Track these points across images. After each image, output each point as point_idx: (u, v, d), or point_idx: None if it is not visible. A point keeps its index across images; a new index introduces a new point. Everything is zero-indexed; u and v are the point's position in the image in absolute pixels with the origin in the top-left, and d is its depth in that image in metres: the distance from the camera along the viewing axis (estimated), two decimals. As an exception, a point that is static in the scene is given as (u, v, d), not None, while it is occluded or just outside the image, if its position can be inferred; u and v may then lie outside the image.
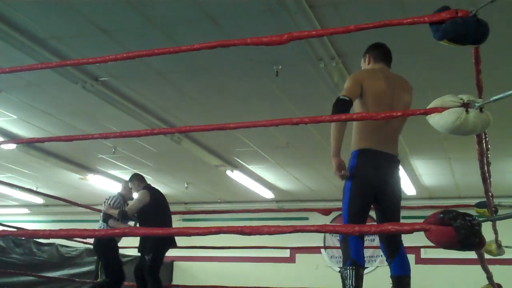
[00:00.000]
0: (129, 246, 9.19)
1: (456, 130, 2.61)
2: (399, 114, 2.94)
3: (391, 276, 3.85)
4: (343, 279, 3.71)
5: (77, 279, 10.22)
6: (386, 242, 3.91)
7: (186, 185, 13.93)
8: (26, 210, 17.26)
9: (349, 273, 3.69)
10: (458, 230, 2.33)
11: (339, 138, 3.85)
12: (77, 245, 12.11)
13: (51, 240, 11.05)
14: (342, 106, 3.72)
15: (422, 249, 12.53)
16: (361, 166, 3.84)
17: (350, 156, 3.96)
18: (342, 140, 3.85)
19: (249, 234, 2.82)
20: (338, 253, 14.19)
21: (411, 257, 4.06)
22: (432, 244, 2.54)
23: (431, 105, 2.76)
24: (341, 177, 3.96)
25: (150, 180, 13.53)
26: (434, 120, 2.69)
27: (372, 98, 3.82)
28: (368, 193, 3.84)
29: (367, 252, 13.85)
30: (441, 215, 2.40)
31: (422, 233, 2.47)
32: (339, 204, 13.05)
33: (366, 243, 12.96)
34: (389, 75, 3.97)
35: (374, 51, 4.12)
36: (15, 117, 9.63)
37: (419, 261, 12.81)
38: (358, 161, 3.86)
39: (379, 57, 4.08)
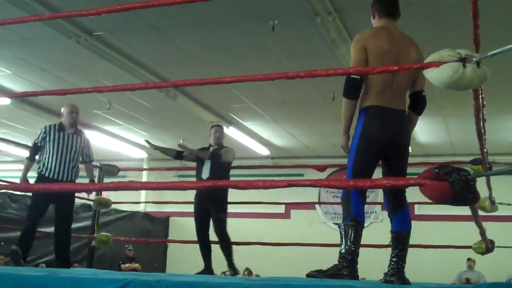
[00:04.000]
0: (124, 202, 9.21)
1: (453, 85, 2.59)
2: (395, 68, 2.91)
3: (391, 231, 3.84)
4: (342, 235, 3.70)
5: (72, 234, 10.26)
6: (389, 198, 3.86)
7: (181, 141, 13.90)
8: (21, 166, 17.25)
9: (349, 229, 3.68)
10: (453, 184, 2.33)
11: (349, 116, 3.85)
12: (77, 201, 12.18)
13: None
14: (353, 85, 3.75)
15: (416, 205, 12.61)
16: (368, 123, 3.77)
17: (358, 114, 3.87)
18: (352, 118, 3.85)
19: (244, 188, 2.82)
20: (333, 209, 14.35)
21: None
22: (426, 200, 2.54)
23: (428, 59, 2.73)
24: (348, 154, 3.88)
25: (145, 136, 13.59)
26: (431, 74, 2.66)
27: (375, 59, 3.73)
28: (375, 151, 3.79)
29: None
30: (436, 170, 2.40)
31: (416, 189, 2.46)
32: (334, 161, 13.24)
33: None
34: (393, 33, 3.88)
35: (377, 4, 3.99)
36: (9, 72, 9.56)
37: (413, 217, 12.86)
38: (365, 118, 3.79)
39: (383, 11, 3.96)
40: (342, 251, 3.70)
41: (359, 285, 3.17)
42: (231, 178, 6.05)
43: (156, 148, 7.52)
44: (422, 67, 2.75)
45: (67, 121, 6.26)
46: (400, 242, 3.78)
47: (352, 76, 3.72)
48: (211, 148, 7.20)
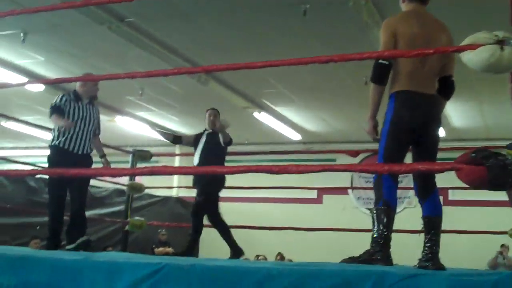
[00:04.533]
0: (157, 187, 9.26)
1: (490, 68, 2.54)
2: (431, 51, 2.87)
3: (423, 217, 3.79)
4: (374, 219, 3.70)
5: (107, 219, 10.40)
6: (419, 183, 3.81)
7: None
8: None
9: (381, 214, 3.67)
10: (491, 169, 2.29)
11: (377, 102, 3.83)
12: (107, 185, 12.31)
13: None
14: (382, 71, 3.73)
15: (450, 191, 12.45)
16: (398, 109, 3.71)
17: (388, 100, 3.82)
18: (380, 103, 3.83)
19: (277, 173, 2.82)
20: (366, 194, 14.27)
21: (438, 199, 4.06)
22: (461, 185, 2.50)
23: (464, 42, 2.68)
24: (374, 140, 3.88)
25: (176, 121, 13.66)
26: (468, 57, 2.61)
27: (405, 44, 3.69)
28: (406, 136, 3.73)
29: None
30: (473, 154, 2.36)
31: (450, 174, 2.42)
32: (367, 146, 13.05)
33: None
34: (423, 17, 3.81)
35: None
36: (42, 59, 9.66)
37: (447, 202, 12.76)
38: (395, 103, 3.74)
39: None
40: (375, 235, 3.70)
41: (393, 270, 3.15)
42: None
43: (156, 130, 7.63)
44: (458, 50, 2.70)
45: (88, 92, 5.84)
46: (432, 227, 3.73)
47: (380, 61, 3.69)
48: (206, 132, 7.03)
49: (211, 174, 6.44)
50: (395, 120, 3.71)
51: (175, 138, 7.48)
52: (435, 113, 3.84)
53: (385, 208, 3.67)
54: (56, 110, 5.64)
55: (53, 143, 5.71)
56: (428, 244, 3.70)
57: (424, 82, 3.73)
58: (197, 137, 7.08)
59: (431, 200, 3.78)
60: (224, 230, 7.23)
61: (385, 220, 3.67)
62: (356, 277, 3.05)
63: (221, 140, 6.78)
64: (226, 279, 3.14)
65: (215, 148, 6.82)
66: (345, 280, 3.06)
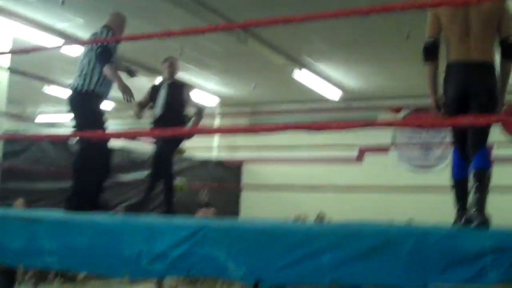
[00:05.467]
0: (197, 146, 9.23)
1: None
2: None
3: (474, 169, 3.84)
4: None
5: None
6: (470, 141, 3.91)
7: (253, 86, 13.87)
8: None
9: (453, 191, 3.98)
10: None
11: (431, 77, 4.15)
12: (147, 149, 12.43)
13: (123, 145, 11.34)
14: (426, 49, 4.09)
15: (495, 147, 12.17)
16: (445, 82, 4.00)
17: None
18: (435, 78, 4.13)
19: (318, 129, 2.76)
20: (408, 152, 14.06)
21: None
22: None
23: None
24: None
25: (216, 80, 13.61)
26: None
27: (446, 19, 3.97)
28: (455, 106, 3.93)
29: (437, 151, 13.65)
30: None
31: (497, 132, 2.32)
32: (410, 101, 12.82)
33: (436, 141, 12.57)
34: None
35: None
36: (82, 20, 9.68)
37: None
38: (445, 76, 4.02)
39: None
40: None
41: (435, 229, 3.09)
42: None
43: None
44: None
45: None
46: (478, 179, 3.78)
47: (426, 43, 4.08)
48: (166, 83, 6.60)
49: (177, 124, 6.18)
50: (445, 93, 4.01)
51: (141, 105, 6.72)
52: (480, 79, 3.92)
53: (453, 185, 4.00)
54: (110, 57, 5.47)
55: (88, 89, 5.43)
56: (474, 197, 3.75)
57: (472, 50, 3.91)
58: (155, 88, 6.64)
59: (479, 154, 3.85)
60: (170, 187, 6.62)
61: (455, 194, 3.97)
62: (397, 237, 3.00)
63: (184, 93, 6.53)
64: (265, 240, 3.13)
65: (178, 100, 6.49)
66: (386, 240, 3.02)
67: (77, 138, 5.77)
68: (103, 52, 5.35)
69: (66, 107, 5.65)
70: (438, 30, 4.05)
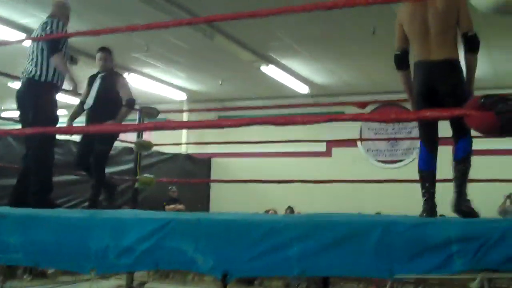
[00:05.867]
0: (166, 143, 9.22)
1: (502, 8, 2.46)
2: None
3: (455, 159, 4.06)
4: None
5: (116, 177, 10.42)
6: (452, 133, 4.11)
7: (220, 82, 13.86)
8: (64, 112, 17.50)
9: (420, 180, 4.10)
10: (500, 115, 2.23)
11: (405, 83, 4.34)
12: (116, 144, 12.31)
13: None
14: (399, 62, 4.31)
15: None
16: (413, 80, 4.19)
17: None
18: (410, 84, 4.27)
19: (283, 124, 2.77)
20: (374, 145, 14.21)
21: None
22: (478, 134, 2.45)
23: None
24: None
25: (183, 76, 13.57)
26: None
27: (407, 25, 4.18)
28: (424, 104, 4.08)
29: (404, 144, 13.83)
30: (482, 100, 2.30)
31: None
32: (375, 97, 12.87)
33: (403, 135, 12.77)
34: None
35: None
36: (44, 15, 9.55)
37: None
38: (413, 75, 4.20)
39: None
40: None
41: (401, 219, 3.12)
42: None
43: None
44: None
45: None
46: (455, 170, 4.02)
47: (395, 53, 4.31)
48: (100, 75, 6.45)
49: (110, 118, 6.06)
50: (414, 92, 4.19)
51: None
52: (444, 76, 4.04)
53: (420, 175, 4.13)
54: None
55: (46, 79, 5.38)
56: (456, 185, 4.00)
57: (434, 48, 4.05)
58: (91, 80, 6.50)
59: (457, 146, 4.05)
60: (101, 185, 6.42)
61: (421, 185, 4.10)
62: (363, 227, 3.03)
63: (117, 84, 6.41)
64: (233, 233, 3.13)
65: (110, 91, 6.33)
66: (352, 230, 3.05)
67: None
68: (53, 41, 5.31)
69: (16, 99, 5.47)
70: (405, 39, 4.25)
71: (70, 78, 5.42)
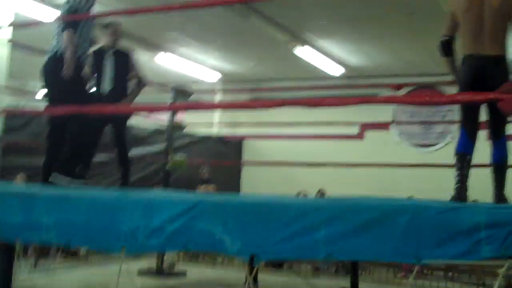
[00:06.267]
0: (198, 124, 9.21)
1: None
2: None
3: (493, 162, 4.18)
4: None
5: (148, 157, 10.51)
6: (490, 129, 4.24)
7: (254, 63, 13.83)
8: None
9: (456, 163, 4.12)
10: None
11: (452, 70, 4.42)
12: (148, 125, 12.40)
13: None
14: (443, 46, 4.39)
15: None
16: (463, 74, 4.24)
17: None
18: (455, 69, 4.39)
19: (315, 105, 2.76)
20: (408, 129, 14.06)
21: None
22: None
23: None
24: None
25: (218, 56, 13.56)
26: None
27: (461, 16, 4.26)
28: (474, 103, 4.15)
29: (438, 128, 13.67)
30: (515, 85, 2.26)
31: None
32: (410, 79, 12.70)
33: (437, 119, 12.62)
34: None
35: None
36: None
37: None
38: (461, 67, 4.27)
39: None
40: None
41: (433, 204, 3.10)
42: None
43: None
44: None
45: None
46: (495, 172, 4.13)
47: (441, 38, 4.38)
48: (110, 53, 6.03)
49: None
50: (461, 83, 4.24)
51: None
52: (495, 72, 4.15)
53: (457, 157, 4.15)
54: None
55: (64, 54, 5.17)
56: (495, 181, 4.11)
57: (487, 44, 4.17)
58: (98, 58, 6.03)
59: (496, 145, 4.18)
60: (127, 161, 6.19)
61: (457, 168, 4.12)
62: (392, 211, 3.01)
63: (131, 63, 6.16)
64: (260, 215, 3.14)
65: (125, 72, 6.10)
66: (382, 214, 3.03)
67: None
68: (68, 17, 5.18)
69: (40, 77, 5.38)
70: (454, 28, 4.36)
71: (67, 58, 5.12)
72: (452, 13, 4.37)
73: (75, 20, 5.17)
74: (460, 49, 4.35)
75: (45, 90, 5.51)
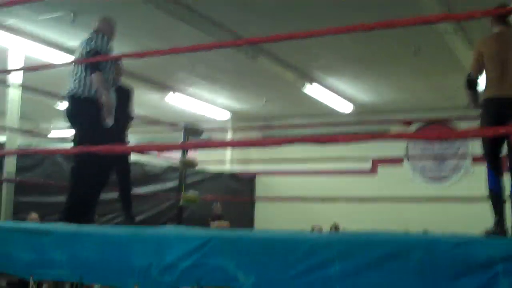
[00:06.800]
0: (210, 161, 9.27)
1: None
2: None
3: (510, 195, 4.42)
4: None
5: (162, 194, 10.53)
6: (508, 162, 4.42)
7: (264, 101, 13.92)
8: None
9: (489, 200, 4.33)
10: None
11: (475, 103, 4.70)
12: (161, 163, 12.46)
13: (136, 159, 11.40)
14: (472, 84, 4.63)
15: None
16: (486, 116, 4.43)
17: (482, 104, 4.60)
18: (477, 100, 4.68)
19: (325, 142, 2.77)
20: (421, 163, 14.02)
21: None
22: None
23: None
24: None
25: (228, 95, 13.66)
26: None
27: (487, 59, 4.49)
28: (495, 140, 4.39)
29: (451, 162, 13.64)
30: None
31: None
32: (420, 114, 12.73)
33: (450, 153, 12.65)
34: (504, 36, 4.60)
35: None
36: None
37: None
38: (484, 109, 4.48)
39: (495, 20, 4.66)
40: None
41: (444, 238, 3.08)
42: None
43: None
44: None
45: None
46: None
47: (467, 77, 4.64)
48: (113, 87, 5.78)
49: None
50: (484, 124, 4.45)
51: None
52: None
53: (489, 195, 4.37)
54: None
55: (87, 95, 5.23)
56: None
57: (507, 87, 4.40)
58: None
59: None
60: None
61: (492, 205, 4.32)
62: (407, 246, 2.99)
63: (131, 100, 6.30)
64: (274, 250, 3.13)
65: (127, 107, 6.25)
66: (395, 249, 3.01)
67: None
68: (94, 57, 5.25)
69: (64, 120, 5.44)
70: (481, 68, 4.57)
71: (105, 100, 5.26)
72: (479, 53, 4.58)
73: (99, 62, 5.25)
74: (484, 91, 4.56)
75: (72, 131, 5.57)
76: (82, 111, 5.24)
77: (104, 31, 5.63)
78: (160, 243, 3.40)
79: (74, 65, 5.47)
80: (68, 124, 5.50)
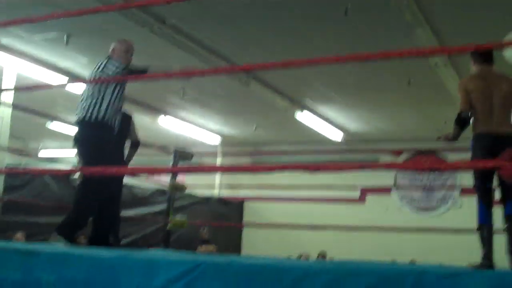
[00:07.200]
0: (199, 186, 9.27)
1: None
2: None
3: (505, 216, 4.37)
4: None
5: (149, 218, 10.50)
6: (502, 188, 4.43)
7: (254, 127, 13.97)
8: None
9: (479, 234, 4.36)
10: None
11: (457, 136, 4.66)
12: (149, 186, 12.44)
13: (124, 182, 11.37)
14: (463, 121, 4.62)
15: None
16: (476, 151, 4.46)
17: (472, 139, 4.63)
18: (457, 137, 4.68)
19: (315, 170, 2.79)
20: (409, 193, 14.09)
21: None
22: None
23: (505, 39, 2.63)
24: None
25: (218, 120, 13.70)
26: (509, 53, 2.61)
27: (475, 97, 4.55)
28: (486, 174, 4.40)
29: (439, 193, 13.70)
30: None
31: None
32: (410, 144, 12.76)
33: (438, 184, 12.77)
34: (487, 75, 4.67)
35: (474, 55, 4.74)
36: (85, 60, 9.80)
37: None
38: (474, 144, 4.51)
39: (478, 60, 4.72)
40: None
41: (433, 269, 3.09)
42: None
43: None
44: (500, 45, 2.64)
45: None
46: (506, 228, 4.32)
47: (460, 113, 4.61)
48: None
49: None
50: (473, 158, 4.49)
51: None
52: (504, 148, 4.35)
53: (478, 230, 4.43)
54: None
55: (95, 119, 5.12)
56: (508, 237, 4.28)
57: (498, 123, 4.49)
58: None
59: (506, 206, 4.40)
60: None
61: (481, 239, 4.37)
62: (394, 276, 3.00)
63: (131, 126, 6.33)
64: (263, 277, 3.13)
65: (126, 134, 6.24)
66: (383, 279, 3.01)
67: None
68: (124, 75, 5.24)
69: (73, 143, 5.29)
70: (470, 103, 4.58)
71: None
72: (465, 91, 4.62)
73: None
74: (473, 127, 4.62)
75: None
76: (87, 136, 5.13)
77: (116, 55, 5.57)
78: (148, 267, 3.39)
79: (87, 89, 5.30)
80: (75, 149, 5.33)
